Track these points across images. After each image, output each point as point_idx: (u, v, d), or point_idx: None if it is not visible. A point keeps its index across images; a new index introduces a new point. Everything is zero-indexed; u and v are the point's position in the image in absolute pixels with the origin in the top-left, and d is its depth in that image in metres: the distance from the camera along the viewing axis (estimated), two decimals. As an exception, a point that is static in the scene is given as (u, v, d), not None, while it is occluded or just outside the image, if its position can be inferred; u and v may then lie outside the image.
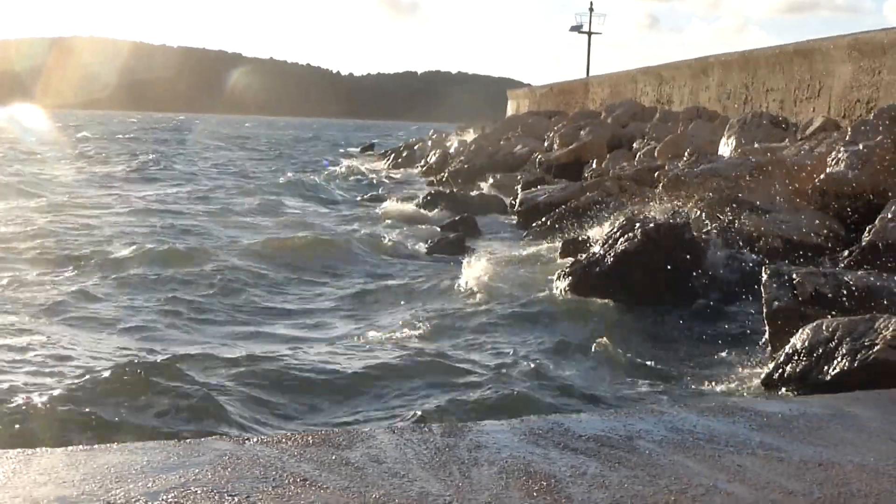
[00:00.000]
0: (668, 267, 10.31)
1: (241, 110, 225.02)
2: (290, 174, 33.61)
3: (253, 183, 29.94)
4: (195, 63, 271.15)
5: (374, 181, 32.02)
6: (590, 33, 55.34)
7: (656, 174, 15.23)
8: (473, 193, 22.42)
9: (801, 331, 7.12)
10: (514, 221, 18.99)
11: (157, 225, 17.87)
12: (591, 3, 55.06)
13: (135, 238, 15.71)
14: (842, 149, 12.21)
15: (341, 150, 62.02)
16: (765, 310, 8.08)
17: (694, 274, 10.40)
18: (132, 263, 12.85)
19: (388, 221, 19.52)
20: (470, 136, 37.42)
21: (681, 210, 12.18)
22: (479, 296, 11.04)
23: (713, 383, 7.52)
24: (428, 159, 37.32)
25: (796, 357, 6.94)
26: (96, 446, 3.43)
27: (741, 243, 11.15)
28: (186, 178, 32.39)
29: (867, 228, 9.87)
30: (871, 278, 8.12)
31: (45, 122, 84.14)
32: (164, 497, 2.82)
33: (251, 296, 11.33)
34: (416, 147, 45.83)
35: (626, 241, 10.64)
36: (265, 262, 13.53)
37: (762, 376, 7.20)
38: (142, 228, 17.33)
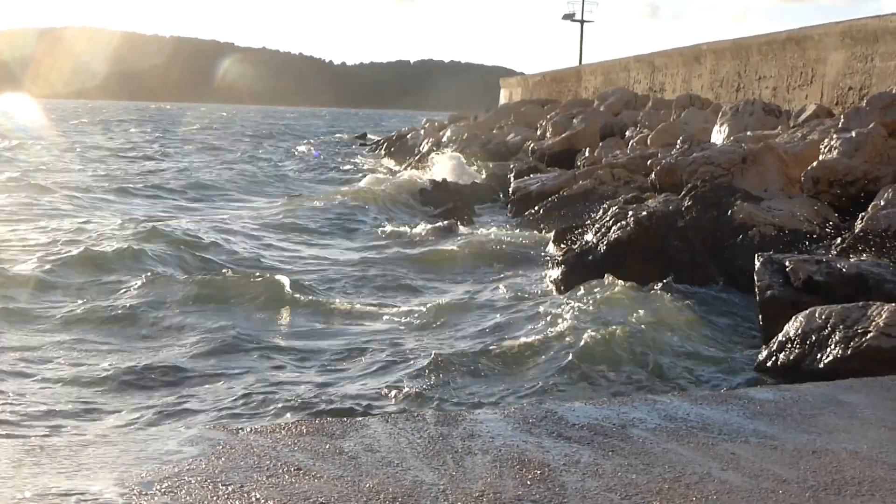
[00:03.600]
0: (661, 255, 10.30)
1: (233, 100, 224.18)
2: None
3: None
4: (187, 53, 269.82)
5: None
6: (582, 21, 55.33)
7: (649, 162, 15.22)
8: (466, 182, 22.33)
9: (794, 318, 7.14)
10: (508, 209, 18.93)
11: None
12: (583, -8, 55.01)
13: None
14: (834, 136, 12.22)
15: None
16: (758, 297, 8.09)
17: (686, 261, 10.40)
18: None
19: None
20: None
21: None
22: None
23: (706, 371, 7.53)
24: (420, 148, 37.17)
25: (789, 344, 6.96)
26: (89, 436, 3.42)
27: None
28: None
29: (860, 216, 9.89)
30: (864, 265, 8.14)
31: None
32: (158, 487, 2.81)
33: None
34: (408, 136, 45.69)
35: (618, 229, 10.64)
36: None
37: (755, 364, 7.21)
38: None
